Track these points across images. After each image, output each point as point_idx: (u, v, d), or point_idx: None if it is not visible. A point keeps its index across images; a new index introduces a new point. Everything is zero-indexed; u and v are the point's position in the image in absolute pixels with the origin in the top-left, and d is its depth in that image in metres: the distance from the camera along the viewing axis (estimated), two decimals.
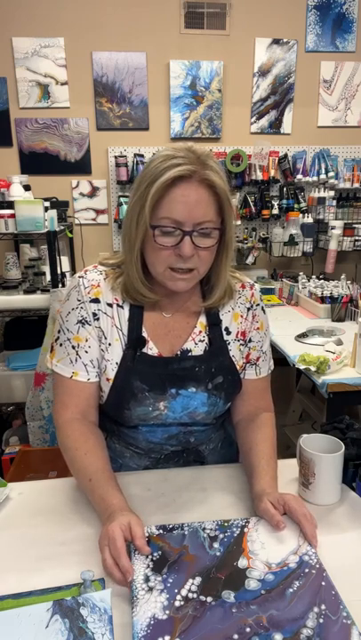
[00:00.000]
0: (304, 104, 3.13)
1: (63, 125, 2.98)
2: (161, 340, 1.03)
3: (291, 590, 0.73)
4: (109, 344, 1.01)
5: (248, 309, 1.09)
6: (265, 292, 2.98)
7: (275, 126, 3.15)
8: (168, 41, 2.94)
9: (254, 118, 3.12)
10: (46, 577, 0.78)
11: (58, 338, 1.03)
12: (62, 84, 2.93)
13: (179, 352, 1.03)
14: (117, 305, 1.01)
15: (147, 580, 0.75)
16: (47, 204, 2.44)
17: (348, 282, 2.65)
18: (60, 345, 1.02)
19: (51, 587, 0.75)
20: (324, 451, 0.95)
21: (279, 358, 2.09)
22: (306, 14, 3.00)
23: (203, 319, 1.06)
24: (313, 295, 2.63)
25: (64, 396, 1.02)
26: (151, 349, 1.02)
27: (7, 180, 2.49)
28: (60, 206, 2.77)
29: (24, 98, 2.92)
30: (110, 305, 1.01)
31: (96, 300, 1.00)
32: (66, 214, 2.90)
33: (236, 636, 0.66)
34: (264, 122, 3.13)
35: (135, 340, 1.00)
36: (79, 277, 1.02)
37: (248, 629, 0.67)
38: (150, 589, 0.73)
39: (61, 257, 2.45)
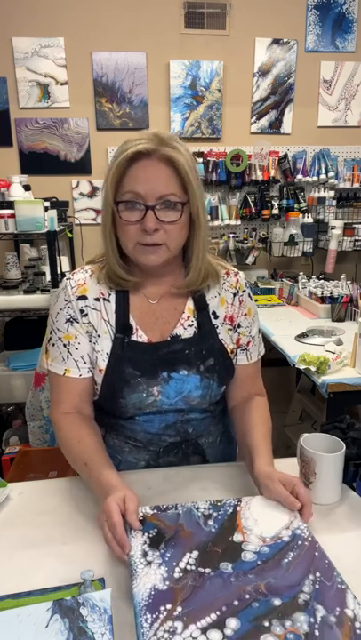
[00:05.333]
0: (304, 104, 3.13)
1: (63, 125, 2.98)
2: (150, 327, 1.05)
3: (286, 560, 0.75)
4: (99, 336, 1.03)
5: (234, 295, 1.10)
6: (265, 292, 2.97)
7: (275, 126, 3.14)
8: (168, 41, 2.94)
9: (254, 118, 3.12)
10: (46, 577, 0.78)
11: (50, 339, 1.07)
12: (62, 84, 2.93)
13: (169, 338, 1.05)
14: (104, 299, 1.04)
15: (145, 555, 0.76)
16: (47, 203, 2.44)
17: (349, 282, 2.65)
18: (53, 345, 1.05)
19: (50, 586, 0.75)
20: (325, 450, 0.95)
21: (279, 358, 2.10)
22: (306, 14, 3.00)
23: (190, 304, 1.07)
24: (313, 295, 2.62)
25: (58, 393, 1.05)
26: (141, 337, 1.04)
27: (7, 179, 2.49)
28: (60, 206, 2.77)
29: (24, 98, 2.92)
30: (97, 299, 1.04)
31: (83, 297, 1.04)
32: (66, 214, 2.90)
33: (236, 602, 0.67)
34: (264, 122, 3.13)
35: (122, 328, 1.03)
36: (67, 280, 1.06)
37: (248, 596, 0.68)
38: (149, 563, 0.74)
39: (61, 257, 2.46)
